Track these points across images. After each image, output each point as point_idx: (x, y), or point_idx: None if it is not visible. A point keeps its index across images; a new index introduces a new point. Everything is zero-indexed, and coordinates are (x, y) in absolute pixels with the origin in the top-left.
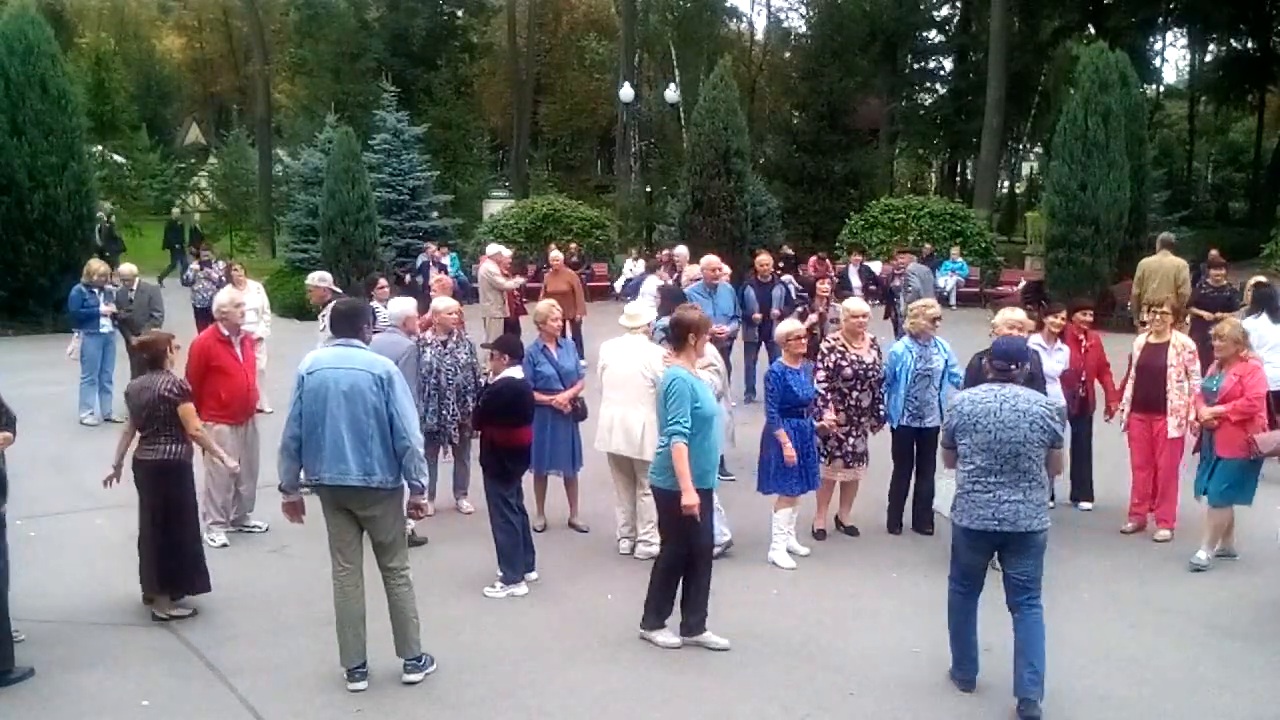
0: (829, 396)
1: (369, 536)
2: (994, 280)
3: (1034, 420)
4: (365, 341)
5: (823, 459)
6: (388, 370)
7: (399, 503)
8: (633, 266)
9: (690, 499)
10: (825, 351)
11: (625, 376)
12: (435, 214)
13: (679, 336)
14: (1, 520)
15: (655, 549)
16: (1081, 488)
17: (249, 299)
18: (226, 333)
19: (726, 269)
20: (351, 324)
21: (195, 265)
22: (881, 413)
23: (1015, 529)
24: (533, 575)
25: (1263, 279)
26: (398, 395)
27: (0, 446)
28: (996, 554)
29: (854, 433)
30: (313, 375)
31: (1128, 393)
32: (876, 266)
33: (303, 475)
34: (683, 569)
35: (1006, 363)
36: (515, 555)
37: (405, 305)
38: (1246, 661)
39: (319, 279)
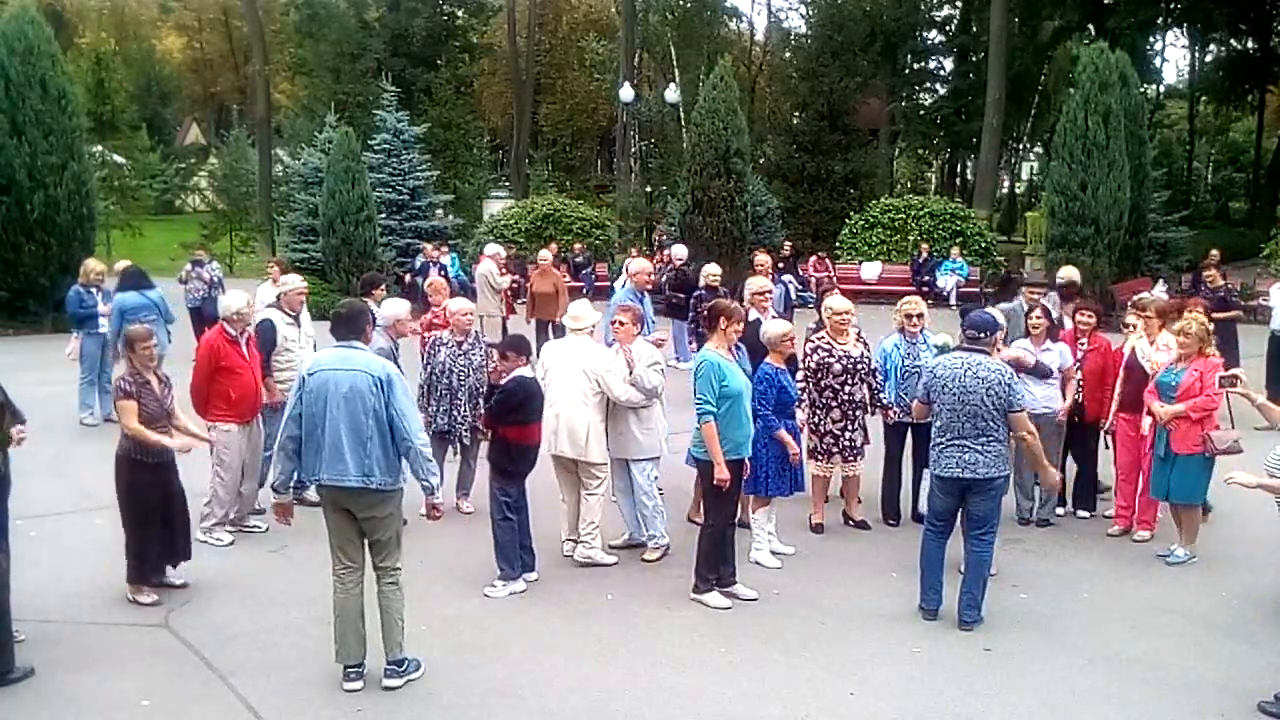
0: (810, 395)
1: (365, 534)
2: (994, 280)
3: (990, 386)
4: (366, 343)
5: (820, 456)
6: (387, 372)
7: (398, 503)
8: None
9: (721, 473)
10: (809, 351)
11: (567, 379)
12: (438, 213)
13: (712, 320)
14: (4, 520)
15: (594, 552)
16: (1081, 497)
17: None
18: (233, 333)
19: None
20: (353, 326)
21: (188, 265)
22: (884, 400)
23: (975, 476)
24: (532, 576)
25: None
26: (397, 397)
27: (15, 437)
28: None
29: (850, 427)
30: (313, 376)
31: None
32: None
33: (305, 477)
34: (732, 535)
35: (977, 332)
36: (512, 552)
37: (397, 307)
38: (1246, 661)
39: None
